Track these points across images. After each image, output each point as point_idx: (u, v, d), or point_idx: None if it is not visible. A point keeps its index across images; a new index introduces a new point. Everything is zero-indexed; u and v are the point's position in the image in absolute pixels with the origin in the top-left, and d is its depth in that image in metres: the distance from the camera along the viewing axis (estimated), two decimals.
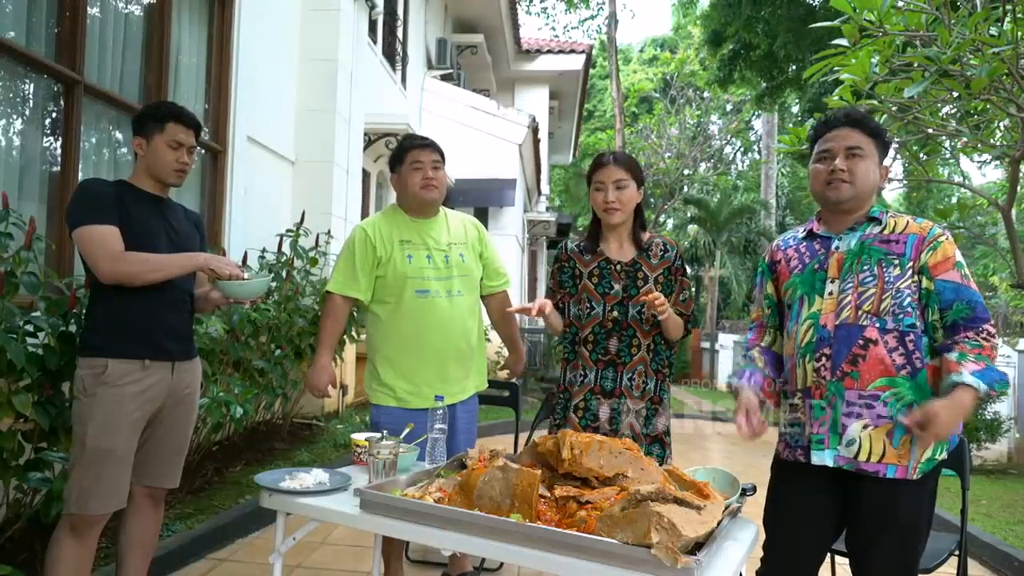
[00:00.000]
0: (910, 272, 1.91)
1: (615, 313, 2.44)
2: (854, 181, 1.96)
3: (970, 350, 1.83)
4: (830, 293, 1.96)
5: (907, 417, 1.81)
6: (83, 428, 2.16)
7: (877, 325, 1.89)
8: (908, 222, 1.97)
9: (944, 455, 1.92)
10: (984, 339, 1.85)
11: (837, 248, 2.00)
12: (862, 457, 1.87)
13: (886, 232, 1.96)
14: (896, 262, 1.92)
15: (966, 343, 1.84)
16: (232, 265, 2.32)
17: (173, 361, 2.32)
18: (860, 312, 1.91)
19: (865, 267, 1.94)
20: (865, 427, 1.87)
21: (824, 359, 1.93)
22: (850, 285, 1.94)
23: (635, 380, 2.44)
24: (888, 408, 1.86)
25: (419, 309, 2.64)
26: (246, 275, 2.35)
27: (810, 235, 2.09)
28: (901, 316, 1.88)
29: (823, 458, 1.92)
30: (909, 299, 1.89)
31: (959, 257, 1.95)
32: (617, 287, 2.46)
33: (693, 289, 2.53)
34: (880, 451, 1.86)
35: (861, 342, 1.89)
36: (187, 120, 2.37)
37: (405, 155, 2.69)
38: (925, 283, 1.91)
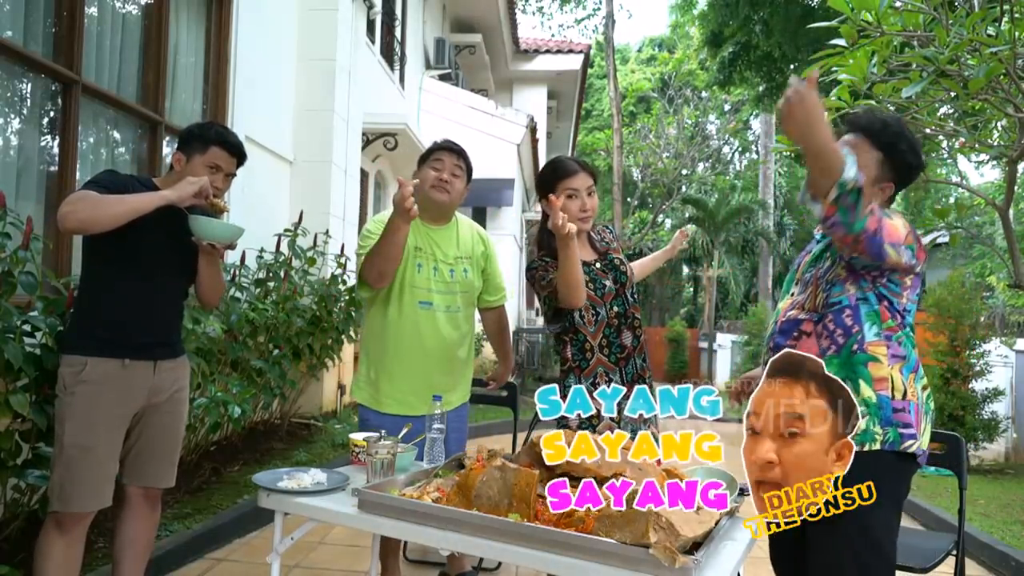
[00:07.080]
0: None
1: (616, 308, 2.44)
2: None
3: None
4: (791, 293, 2.04)
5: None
6: (62, 426, 2.16)
7: (814, 319, 1.92)
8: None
9: (880, 432, 1.80)
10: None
11: (810, 251, 2.06)
12: None
13: None
14: (829, 254, 1.95)
15: None
16: (195, 183, 2.15)
17: (155, 360, 2.30)
18: (804, 310, 1.95)
19: (817, 266, 1.98)
20: None
21: (770, 352, 1.99)
22: (802, 286, 2.00)
23: (644, 353, 2.50)
24: None
25: (418, 320, 2.63)
26: (222, 202, 2.28)
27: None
28: (828, 299, 1.88)
29: None
30: (838, 284, 1.87)
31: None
32: (608, 283, 2.46)
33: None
34: None
35: (796, 334, 1.93)
36: (231, 147, 2.36)
37: (431, 153, 2.70)
38: None
